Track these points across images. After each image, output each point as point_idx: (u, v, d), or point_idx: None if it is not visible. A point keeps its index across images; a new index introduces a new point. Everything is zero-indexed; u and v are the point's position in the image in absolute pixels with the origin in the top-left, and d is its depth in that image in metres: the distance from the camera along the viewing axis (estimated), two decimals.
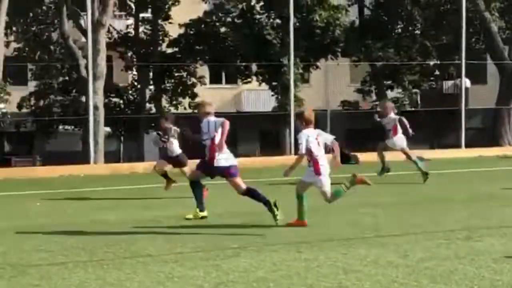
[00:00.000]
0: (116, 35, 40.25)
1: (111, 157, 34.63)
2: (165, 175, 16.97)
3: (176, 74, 40.46)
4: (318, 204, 12.99)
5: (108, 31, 35.94)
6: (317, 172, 12.12)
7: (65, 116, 36.90)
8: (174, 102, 40.36)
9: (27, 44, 38.15)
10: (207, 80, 42.57)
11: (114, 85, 39.34)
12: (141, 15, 41.04)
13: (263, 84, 38.43)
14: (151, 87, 40.86)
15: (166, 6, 39.84)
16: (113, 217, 14.02)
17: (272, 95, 37.88)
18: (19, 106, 38.09)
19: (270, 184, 18.36)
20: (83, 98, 27.59)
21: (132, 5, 40.69)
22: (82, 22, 30.11)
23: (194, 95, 40.51)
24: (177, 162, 16.85)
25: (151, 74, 40.68)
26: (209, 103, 13.33)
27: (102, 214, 14.56)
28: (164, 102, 40.53)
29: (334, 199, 12.43)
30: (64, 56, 37.21)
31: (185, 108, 39.14)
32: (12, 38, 37.15)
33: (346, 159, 24.48)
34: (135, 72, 41.62)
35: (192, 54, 38.86)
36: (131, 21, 41.69)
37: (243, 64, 37.92)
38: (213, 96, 44.42)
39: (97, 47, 27.39)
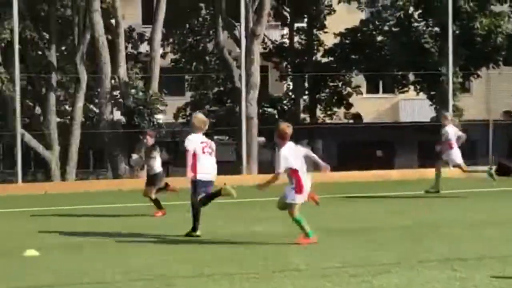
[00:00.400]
0: (270, 45, 40.30)
1: (265, 167, 34.52)
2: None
3: (331, 84, 40.13)
4: (474, 218, 12.32)
5: (263, 41, 35.99)
6: (298, 191, 11.55)
7: (219, 126, 37.17)
8: (329, 112, 40.03)
9: (183, 55, 38.73)
10: (363, 90, 42.01)
11: (269, 95, 39.35)
12: (296, 24, 40.95)
13: (421, 93, 37.49)
14: (306, 97, 40.66)
15: (322, 15, 39.59)
16: (263, 229, 13.77)
17: (430, 105, 36.89)
18: (175, 116, 38.71)
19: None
20: (238, 109, 27.62)
21: (287, 15, 40.65)
22: (237, 32, 30.20)
23: (349, 105, 40.08)
24: (152, 180, 16.37)
25: (306, 84, 40.48)
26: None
27: (253, 225, 14.33)
28: (319, 112, 40.26)
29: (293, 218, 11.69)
30: (219, 67, 37.55)
31: (340, 119, 38.71)
32: (168, 49, 37.81)
33: (506, 171, 23.44)
34: (289, 82, 41.54)
35: (347, 63, 38.42)
36: (286, 30, 41.67)
37: (400, 73, 37.14)
38: (370, 106, 43.96)
39: (251, 57, 27.38)
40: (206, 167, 12.86)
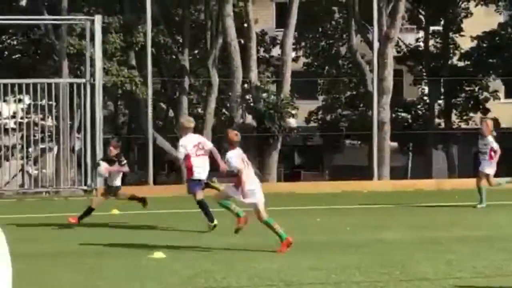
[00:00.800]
0: (405, 49, 39.67)
1: (398, 172, 34.03)
2: (133, 198, 16.15)
3: (467, 88, 39.13)
4: None
5: (397, 44, 35.43)
6: (244, 196, 12.08)
7: (351, 130, 36.84)
8: (465, 117, 39.08)
9: (315, 59, 38.57)
10: (501, 95, 40.79)
11: (403, 99, 38.71)
12: (432, 28, 40.15)
13: None
14: (441, 101, 39.81)
15: (458, 18, 38.70)
16: (390, 236, 13.41)
17: None
18: (307, 120, 38.60)
19: None
20: (370, 113, 27.26)
21: (423, 18, 39.91)
22: (370, 36, 29.81)
23: (486, 111, 38.99)
24: (108, 190, 15.84)
25: (441, 88, 39.63)
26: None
27: (380, 232, 13.98)
28: (454, 117, 39.35)
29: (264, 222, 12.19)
30: (351, 71, 37.23)
31: (476, 124, 37.67)
32: (300, 53, 37.73)
33: None
34: (424, 86, 40.78)
35: (484, 67, 37.44)
36: (421, 34, 40.93)
37: None
38: (508, 111, 42.62)
39: (384, 61, 26.97)
40: (199, 167, 14.09)
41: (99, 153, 22.33)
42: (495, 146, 17.65)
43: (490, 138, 17.72)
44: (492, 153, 17.60)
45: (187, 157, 14.04)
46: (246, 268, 10.57)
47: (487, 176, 17.75)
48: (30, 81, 23.36)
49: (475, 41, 37.69)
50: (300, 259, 11.15)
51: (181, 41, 30.93)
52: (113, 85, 27.26)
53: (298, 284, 9.42)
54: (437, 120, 39.67)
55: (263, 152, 26.87)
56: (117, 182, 15.83)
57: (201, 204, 14.15)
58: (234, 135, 12.72)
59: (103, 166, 15.63)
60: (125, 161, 15.91)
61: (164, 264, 11.05)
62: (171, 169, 35.36)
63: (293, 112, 27.64)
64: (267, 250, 12.02)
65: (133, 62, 28.91)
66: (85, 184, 22.64)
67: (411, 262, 10.68)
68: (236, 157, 12.33)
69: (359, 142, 38.33)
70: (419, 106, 39.95)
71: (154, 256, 11.51)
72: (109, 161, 15.77)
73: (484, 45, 37.47)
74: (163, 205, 19.14)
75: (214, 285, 9.54)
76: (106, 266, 10.95)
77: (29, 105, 27.00)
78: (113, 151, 15.78)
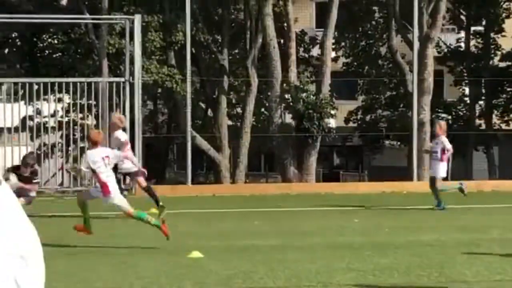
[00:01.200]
0: (445, 49, 39.35)
1: None
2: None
3: (508, 89, 38.75)
4: None
5: (438, 45, 35.16)
6: (105, 193, 12.26)
7: (391, 131, 36.63)
8: (506, 118, 38.68)
9: (355, 59, 38.40)
10: None
11: (443, 100, 38.41)
12: (473, 28, 39.80)
13: None
14: (482, 102, 39.45)
15: (500, 19, 38.31)
16: (427, 238, 13.28)
17: None
18: (346, 120, 38.45)
19: None
20: (410, 113, 27.10)
21: (464, 18, 39.57)
22: (410, 36, 29.61)
23: None
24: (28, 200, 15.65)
25: (482, 89, 39.27)
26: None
27: (419, 234, 13.86)
28: (495, 118, 38.96)
29: (135, 217, 12.39)
30: (391, 71, 37.01)
31: None
32: (340, 53, 37.59)
33: None
34: (465, 87, 40.43)
35: None
36: (462, 34, 40.58)
37: None
38: None
39: (424, 61, 26.80)
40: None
41: (138, 152, 22.44)
42: (448, 146, 17.91)
43: (443, 138, 18.02)
44: (444, 153, 17.88)
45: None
46: (284, 268, 10.52)
47: (436, 179, 18.00)
48: (70, 80, 23.52)
49: None
50: (337, 260, 11.07)
51: (220, 40, 30.96)
52: (153, 83, 27.35)
53: (337, 285, 9.35)
54: (477, 121, 39.33)
55: (302, 152, 26.79)
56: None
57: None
58: (96, 134, 13.09)
59: (13, 181, 15.22)
60: (38, 180, 15.90)
61: (202, 263, 11.03)
62: (209, 169, 35.42)
63: (333, 112, 27.53)
64: (306, 251, 11.96)
65: (173, 62, 28.99)
66: (124, 183, 22.73)
67: (450, 264, 10.56)
68: (94, 156, 12.56)
69: (398, 143, 38.12)
70: (459, 107, 39.65)
71: (191, 256, 11.50)
72: (23, 177, 15.62)
73: None
74: (200, 205, 19.17)
75: (252, 285, 9.50)
76: (144, 265, 10.95)
77: (69, 104, 27.18)
78: (28, 170, 15.75)
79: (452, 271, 10.05)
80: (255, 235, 13.84)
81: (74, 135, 25.36)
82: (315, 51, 34.80)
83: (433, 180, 18.22)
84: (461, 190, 18.61)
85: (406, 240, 13.07)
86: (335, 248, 12.08)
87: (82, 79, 23.98)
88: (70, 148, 27.27)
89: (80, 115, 26.06)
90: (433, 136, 18.98)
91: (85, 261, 11.32)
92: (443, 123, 19.04)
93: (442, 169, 18.09)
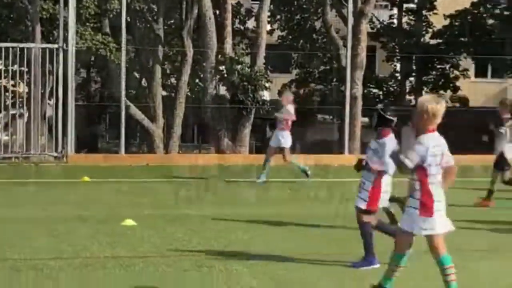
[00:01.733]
0: (378, 25, 39.75)
1: None
2: None
3: (438, 66, 39.36)
4: None
5: (371, 21, 35.48)
6: None
7: (323, 105, 36.90)
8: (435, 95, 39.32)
9: (290, 32, 38.50)
10: (471, 74, 41.07)
11: (375, 75, 38.82)
12: (405, 5, 40.25)
13: None
14: (412, 78, 40.01)
15: None
16: None
17: None
18: (280, 93, 38.49)
19: None
20: (343, 88, 27.36)
21: None
22: (344, 11, 29.80)
23: (456, 89, 39.26)
24: None
25: (413, 65, 39.81)
26: None
27: None
28: (425, 95, 39.56)
29: None
30: (326, 45, 37.23)
31: (446, 102, 37.88)
32: (275, 26, 37.66)
33: None
34: (396, 63, 40.93)
35: (456, 46, 37.64)
36: (394, 11, 41.01)
37: (510, 57, 36.12)
38: (477, 90, 42.92)
39: (358, 36, 27.05)
40: None
41: (71, 120, 22.28)
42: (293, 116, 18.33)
43: (289, 107, 18.55)
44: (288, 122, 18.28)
45: None
46: (218, 237, 10.65)
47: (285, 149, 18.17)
48: (2, 45, 23.15)
49: (448, 20, 37.87)
50: (272, 231, 11.17)
51: (156, 9, 30.74)
52: (86, 50, 27.06)
53: (272, 255, 9.46)
54: (408, 97, 39.88)
55: (236, 125, 26.88)
56: None
57: None
58: None
59: None
60: None
61: (135, 231, 11.10)
62: (142, 139, 35.28)
63: (267, 85, 27.61)
64: (240, 221, 12.10)
65: (107, 30, 28.72)
66: (56, 151, 22.60)
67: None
68: None
69: (331, 117, 38.44)
70: (390, 83, 40.13)
71: (125, 224, 11.56)
72: None
73: (456, 24, 37.67)
74: (133, 174, 19.17)
75: (185, 253, 9.60)
76: (76, 232, 10.98)
77: (0, 70, 26.77)
78: None
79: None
80: (189, 204, 13.94)
81: (5, 101, 24.99)
82: (251, 24, 34.81)
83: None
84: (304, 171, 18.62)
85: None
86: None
87: (14, 44, 23.59)
88: (0, 115, 26.89)
89: (12, 82, 25.69)
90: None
91: (17, 227, 11.30)
92: (289, 94, 20.21)
93: (287, 140, 18.40)
